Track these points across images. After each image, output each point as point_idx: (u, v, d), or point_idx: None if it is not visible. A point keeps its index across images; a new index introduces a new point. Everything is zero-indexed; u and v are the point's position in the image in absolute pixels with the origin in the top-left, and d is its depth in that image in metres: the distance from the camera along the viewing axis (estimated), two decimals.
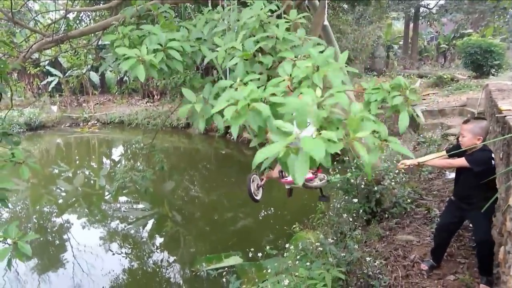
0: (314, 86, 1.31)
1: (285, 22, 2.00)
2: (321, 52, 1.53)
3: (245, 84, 1.50)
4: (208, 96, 1.99)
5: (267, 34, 1.91)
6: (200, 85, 2.88)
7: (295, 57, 1.68)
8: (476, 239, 3.12)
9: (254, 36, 1.96)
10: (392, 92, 1.43)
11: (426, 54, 21.47)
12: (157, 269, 5.65)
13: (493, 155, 2.94)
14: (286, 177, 3.21)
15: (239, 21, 2.12)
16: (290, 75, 1.46)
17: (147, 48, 2.00)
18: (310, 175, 3.66)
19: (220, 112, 1.52)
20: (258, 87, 1.34)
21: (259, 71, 1.85)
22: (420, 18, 18.78)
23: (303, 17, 2.13)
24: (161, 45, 2.08)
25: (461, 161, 2.94)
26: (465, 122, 3.03)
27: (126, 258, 5.97)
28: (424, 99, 10.36)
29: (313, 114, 1.08)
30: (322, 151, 0.98)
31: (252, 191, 3.22)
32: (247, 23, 2.02)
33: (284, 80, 1.39)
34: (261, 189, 3.37)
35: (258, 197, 3.30)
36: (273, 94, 1.29)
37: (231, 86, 1.57)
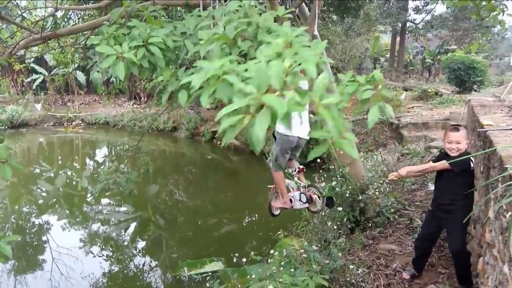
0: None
1: (272, 15, 1.97)
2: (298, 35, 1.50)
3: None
4: (181, 74, 1.97)
5: (248, 20, 1.88)
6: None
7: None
8: (451, 249, 3.16)
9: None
10: (365, 86, 1.41)
11: (411, 68, 21.95)
12: (138, 273, 5.56)
13: (471, 158, 3.05)
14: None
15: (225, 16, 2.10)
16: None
17: (128, 45, 1.94)
18: (296, 193, 3.71)
19: (187, 87, 1.50)
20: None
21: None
22: (407, 32, 19.22)
23: (290, 12, 2.12)
24: (143, 40, 2.03)
25: (442, 164, 3.04)
26: (454, 130, 3.08)
27: (106, 262, 5.85)
28: (409, 112, 10.59)
29: (274, 77, 1.06)
30: (284, 106, 0.98)
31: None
32: (232, 15, 2.00)
33: (260, 62, 1.38)
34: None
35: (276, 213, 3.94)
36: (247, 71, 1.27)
37: None
